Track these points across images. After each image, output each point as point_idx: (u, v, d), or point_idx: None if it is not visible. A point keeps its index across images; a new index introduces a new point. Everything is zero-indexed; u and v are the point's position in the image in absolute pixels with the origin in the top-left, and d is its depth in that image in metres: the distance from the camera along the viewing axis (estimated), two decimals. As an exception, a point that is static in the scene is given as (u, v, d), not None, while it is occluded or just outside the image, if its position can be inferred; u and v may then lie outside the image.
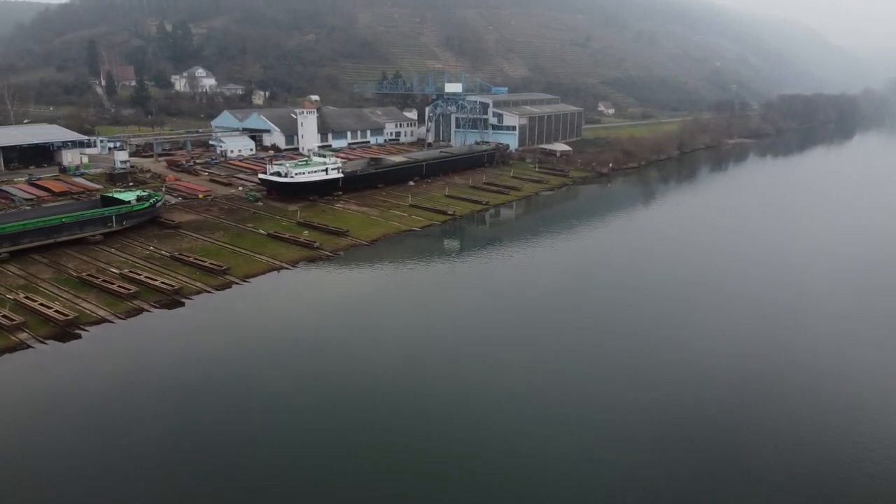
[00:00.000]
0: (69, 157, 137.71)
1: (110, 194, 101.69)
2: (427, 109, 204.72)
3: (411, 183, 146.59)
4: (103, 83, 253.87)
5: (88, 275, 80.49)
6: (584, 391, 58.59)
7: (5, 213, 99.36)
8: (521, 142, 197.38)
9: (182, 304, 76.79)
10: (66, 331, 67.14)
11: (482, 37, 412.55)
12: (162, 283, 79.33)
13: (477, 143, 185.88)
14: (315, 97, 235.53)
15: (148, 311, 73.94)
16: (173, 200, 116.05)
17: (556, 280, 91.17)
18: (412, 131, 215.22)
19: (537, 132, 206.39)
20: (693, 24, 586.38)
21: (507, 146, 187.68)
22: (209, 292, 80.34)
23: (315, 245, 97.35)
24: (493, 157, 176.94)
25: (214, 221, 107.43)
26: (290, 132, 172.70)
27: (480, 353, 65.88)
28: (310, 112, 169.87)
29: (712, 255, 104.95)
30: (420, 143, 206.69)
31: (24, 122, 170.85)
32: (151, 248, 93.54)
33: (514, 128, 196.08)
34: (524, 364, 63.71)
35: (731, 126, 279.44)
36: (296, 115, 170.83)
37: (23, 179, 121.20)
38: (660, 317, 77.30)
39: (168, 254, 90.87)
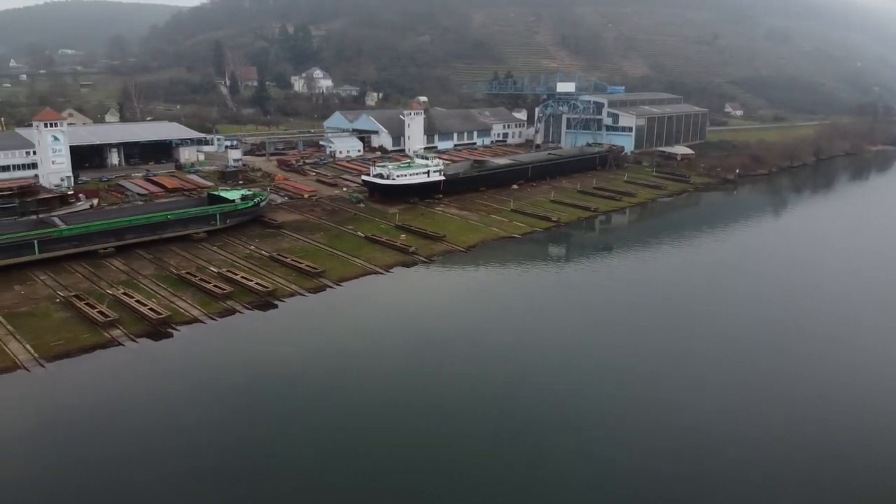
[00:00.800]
0: (186, 155, 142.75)
1: (216, 192, 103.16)
2: (537, 110, 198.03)
3: (515, 186, 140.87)
4: (227, 83, 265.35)
5: (188, 272, 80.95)
6: (683, 416, 51.08)
7: (118, 207, 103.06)
8: (638, 144, 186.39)
9: (275, 307, 75.34)
10: (158, 329, 66.99)
11: (600, 34, 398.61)
12: (257, 283, 78.34)
13: (588, 145, 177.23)
14: (423, 98, 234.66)
15: (240, 312, 72.89)
16: (279, 200, 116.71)
17: (668, 298, 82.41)
18: (520, 132, 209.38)
19: (656, 134, 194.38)
20: (830, 20, 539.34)
21: (622, 148, 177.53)
22: (302, 295, 78.55)
23: (410, 250, 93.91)
24: (606, 160, 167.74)
25: (315, 222, 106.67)
26: (398, 133, 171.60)
27: (575, 369, 59.69)
28: (416, 113, 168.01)
29: (851, 277, 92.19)
30: (528, 144, 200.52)
31: (147, 119, 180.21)
32: (252, 247, 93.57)
33: (630, 129, 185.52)
34: (625, 383, 56.93)
35: (873, 131, 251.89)
36: (403, 116, 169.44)
37: (140, 175, 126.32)
38: (771, 346, 67.59)
39: (267, 254, 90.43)
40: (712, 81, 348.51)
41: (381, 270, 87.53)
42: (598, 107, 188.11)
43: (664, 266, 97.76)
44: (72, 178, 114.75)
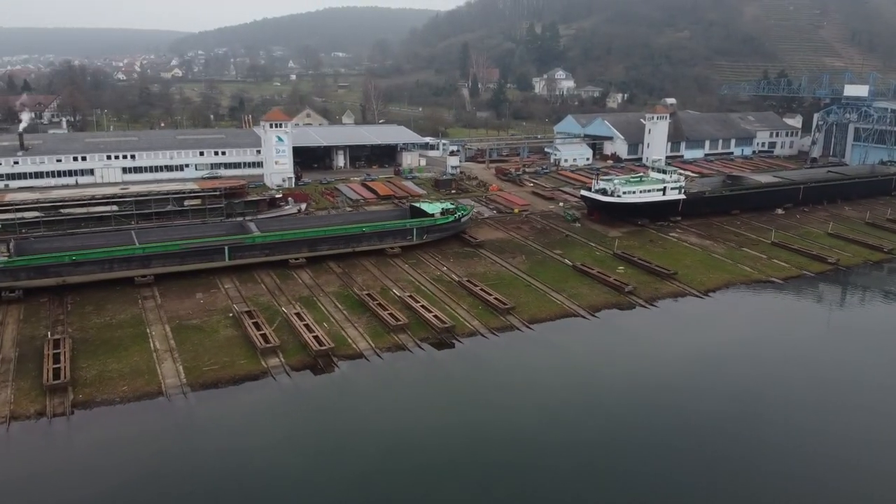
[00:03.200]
0: (408, 160, 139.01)
1: (417, 205, 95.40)
2: (816, 116, 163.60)
3: (780, 211, 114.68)
4: (469, 85, 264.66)
5: (369, 294, 73.13)
6: None
7: (327, 212, 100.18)
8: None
9: (450, 346, 64.21)
10: (317, 362, 59.43)
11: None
12: (435, 316, 67.81)
13: (882, 163, 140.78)
14: (671, 100, 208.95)
15: (409, 350, 62.78)
16: (487, 213, 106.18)
17: None
18: (792, 142, 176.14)
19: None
20: None
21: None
22: (483, 336, 66.26)
23: (627, 289, 76.55)
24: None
25: (520, 242, 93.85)
26: (635, 140, 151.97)
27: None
28: (660, 117, 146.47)
29: None
30: (801, 157, 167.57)
31: (380, 121, 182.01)
32: (444, 268, 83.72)
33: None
34: None
35: None
36: (644, 120, 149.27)
37: (358, 179, 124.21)
38: None
39: (457, 278, 79.77)
40: None
41: (584, 313, 71.84)
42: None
43: None
44: (293, 179, 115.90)
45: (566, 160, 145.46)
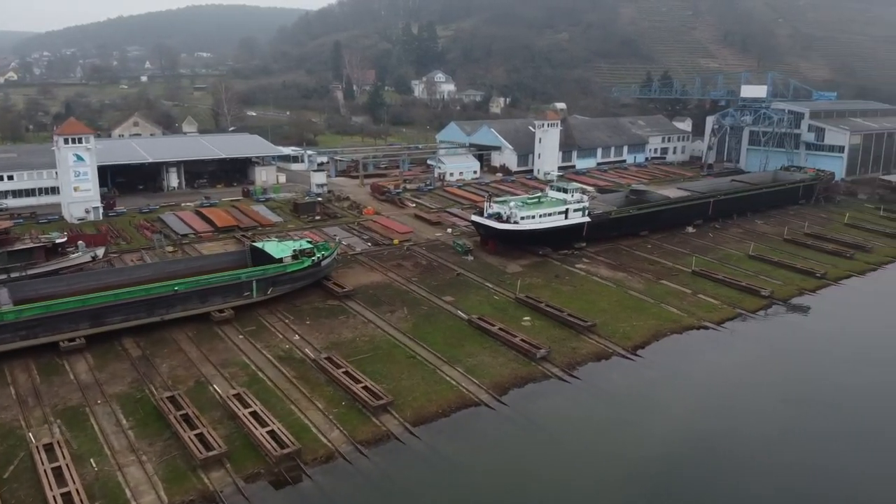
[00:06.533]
0: (263, 176, 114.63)
1: (259, 245, 72.09)
2: (710, 120, 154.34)
3: (691, 229, 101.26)
4: (343, 87, 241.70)
5: (171, 397, 49.07)
6: None
7: (136, 263, 74.21)
8: (851, 169, 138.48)
9: (294, 483, 42.20)
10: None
11: (771, 31, 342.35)
12: (271, 432, 45.28)
13: (784, 169, 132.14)
14: (561, 105, 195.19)
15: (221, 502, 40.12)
16: (359, 247, 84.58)
17: None
18: (683, 147, 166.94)
19: (873, 156, 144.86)
20: None
21: (832, 175, 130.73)
22: (346, 460, 44.61)
23: (539, 354, 57.56)
24: (812, 192, 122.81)
25: (401, 288, 73.00)
26: (525, 150, 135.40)
27: None
28: (552, 124, 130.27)
29: None
30: (694, 163, 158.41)
31: (230, 129, 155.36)
32: (296, 336, 61.34)
33: (841, 149, 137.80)
34: None
35: None
36: (534, 128, 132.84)
37: (192, 205, 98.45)
38: None
39: (314, 354, 57.56)
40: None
41: (486, 398, 52.07)
42: (797, 118, 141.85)
43: None
44: (100, 210, 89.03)
45: (452, 174, 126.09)
